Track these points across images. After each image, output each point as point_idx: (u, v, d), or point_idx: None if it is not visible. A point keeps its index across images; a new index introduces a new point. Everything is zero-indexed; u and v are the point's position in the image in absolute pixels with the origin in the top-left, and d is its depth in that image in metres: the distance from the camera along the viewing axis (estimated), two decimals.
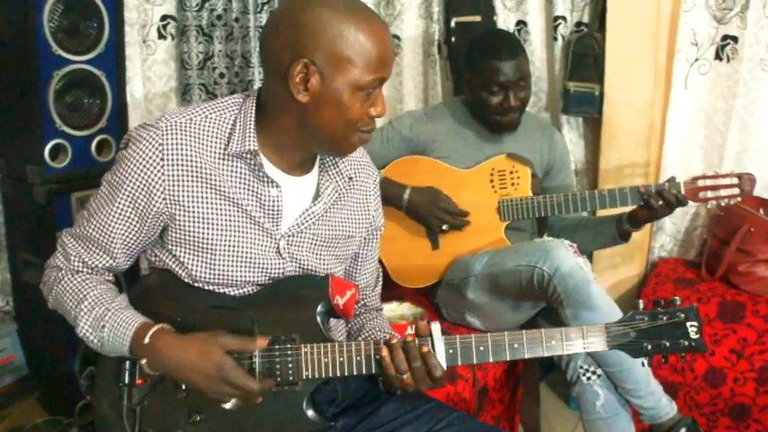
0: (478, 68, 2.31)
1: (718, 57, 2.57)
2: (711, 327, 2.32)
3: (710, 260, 2.59)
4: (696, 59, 2.60)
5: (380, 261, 2.21)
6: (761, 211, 2.51)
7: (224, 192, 1.40)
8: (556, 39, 2.75)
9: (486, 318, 2.32)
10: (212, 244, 1.42)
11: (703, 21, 2.56)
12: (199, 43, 2.71)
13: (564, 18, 2.73)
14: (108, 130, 2.36)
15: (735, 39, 2.52)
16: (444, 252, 2.40)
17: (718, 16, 2.54)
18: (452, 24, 2.83)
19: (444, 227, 2.33)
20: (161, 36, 2.66)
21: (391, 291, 2.43)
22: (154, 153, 1.36)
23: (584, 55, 2.66)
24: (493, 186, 2.36)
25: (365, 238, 1.65)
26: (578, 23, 2.74)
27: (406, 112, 2.62)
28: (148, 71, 2.63)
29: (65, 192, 2.29)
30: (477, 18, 2.79)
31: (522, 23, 2.81)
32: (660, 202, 2.15)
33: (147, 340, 1.34)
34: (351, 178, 1.55)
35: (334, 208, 1.53)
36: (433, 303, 2.47)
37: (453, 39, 2.84)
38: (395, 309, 2.36)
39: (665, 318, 1.38)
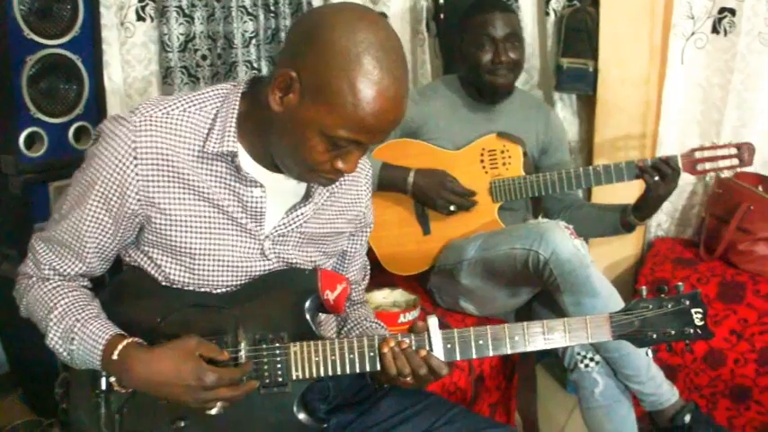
0: (469, 26, 2.27)
1: (714, 30, 2.51)
2: (711, 308, 2.28)
3: (709, 239, 2.55)
4: (692, 33, 2.54)
5: (370, 248, 2.23)
6: (760, 188, 2.47)
7: (202, 192, 1.32)
8: (548, 14, 2.68)
9: (480, 303, 2.28)
10: (191, 248, 1.35)
11: None
12: (179, 24, 2.61)
13: None
14: (86, 117, 2.28)
15: (732, 11, 2.46)
16: (436, 237, 2.35)
17: None
18: (441, 0, 2.77)
19: (452, 207, 2.27)
20: (140, 18, 2.56)
21: (383, 278, 2.38)
22: (126, 150, 1.28)
23: (578, 30, 2.59)
24: (484, 167, 2.31)
25: (353, 234, 1.60)
26: None
27: None
28: (127, 55, 2.54)
29: (42, 182, 2.20)
30: None
31: None
32: (656, 177, 2.10)
33: (115, 356, 1.27)
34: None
35: (324, 206, 1.46)
36: (426, 289, 2.42)
37: (442, 15, 2.77)
38: (387, 296, 2.30)
39: (669, 305, 1.35)
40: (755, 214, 2.41)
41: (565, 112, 2.75)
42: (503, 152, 2.30)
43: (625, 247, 2.72)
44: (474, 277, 2.19)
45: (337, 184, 1.43)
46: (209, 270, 1.37)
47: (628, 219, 2.25)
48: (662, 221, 2.76)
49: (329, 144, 1.21)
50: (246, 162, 1.33)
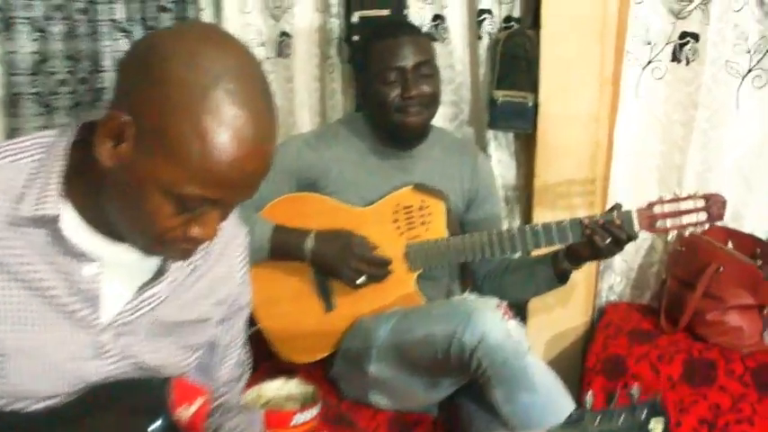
0: (372, 55, 2.00)
1: (675, 58, 2.24)
2: (676, 391, 2.03)
3: (671, 306, 2.22)
4: (649, 62, 2.26)
5: (260, 330, 1.96)
6: (730, 245, 2.18)
7: (12, 271, 1.08)
8: (480, 37, 2.35)
9: (394, 396, 1.97)
10: None
11: (658, 15, 2.23)
12: (33, 41, 2.25)
13: (489, 12, 2.33)
14: None
15: (695, 37, 2.19)
16: (340, 314, 2.01)
17: (675, 9, 2.20)
18: (355, 19, 2.42)
19: (361, 279, 1.96)
20: None
21: (276, 364, 2.05)
22: None
23: (515, 57, 2.28)
24: (398, 227, 2.01)
25: (225, 320, 1.36)
26: (508, 18, 2.35)
27: (289, 137, 2.22)
28: None
29: None
30: (385, 12, 2.38)
31: (438, 18, 2.40)
32: (607, 238, 1.86)
33: None
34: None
35: (184, 284, 1.23)
36: (329, 378, 2.07)
37: (356, 37, 2.41)
38: (280, 387, 1.90)
39: (621, 419, 1.17)
40: (725, 277, 2.11)
41: (500, 153, 2.43)
42: (421, 209, 2.01)
43: (571, 316, 2.40)
44: (386, 366, 1.91)
45: (202, 255, 1.23)
46: (23, 376, 1.11)
47: (561, 266, 1.99)
48: (615, 283, 2.45)
49: (177, 205, 1.01)
50: (76, 230, 1.10)
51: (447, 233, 1.99)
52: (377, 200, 2.03)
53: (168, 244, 1.08)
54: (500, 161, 2.41)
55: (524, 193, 2.43)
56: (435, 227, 1.99)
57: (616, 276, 2.43)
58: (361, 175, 2.05)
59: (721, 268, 2.11)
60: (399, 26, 2.09)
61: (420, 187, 2.01)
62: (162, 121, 0.97)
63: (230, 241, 1.32)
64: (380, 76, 1.96)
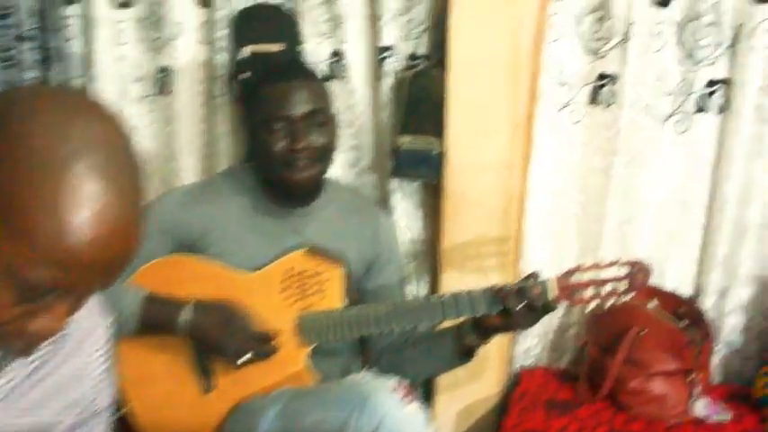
0: (256, 101, 1.79)
1: (593, 101, 2.09)
2: None
3: (592, 373, 2.05)
4: (566, 104, 2.10)
5: (128, 413, 1.73)
6: (655, 303, 2.03)
7: None
8: (381, 77, 2.14)
9: None
10: None
11: (574, 54, 2.07)
12: None
13: (393, 49, 2.12)
14: None
15: (614, 78, 2.05)
16: (221, 396, 1.76)
17: (592, 48, 2.05)
18: (244, 54, 2.17)
19: (245, 357, 1.73)
20: None
21: None
22: None
23: (421, 99, 2.08)
24: (289, 296, 1.79)
25: (75, 426, 1.16)
26: (413, 56, 2.14)
27: (166, 192, 2.01)
28: None
29: None
30: (278, 47, 2.14)
31: (337, 55, 2.17)
32: (522, 310, 1.67)
33: None
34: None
35: (24, 385, 1.05)
36: None
37: (246, 74, 2.16)
38: None
39: None
40: (649, 340, 1.97)
41: (405, 204, 2.20)
42: (315, 275, 1.80)
43: (483, 386, 2.18)
44: None
45: (50, 349, 1.06)
46: None
47: (465, 341, 1.78)
48: (531, 346, 2.25)
49: (19, 292, 0.85)
50: None
51: (344, 303, 1.78)
52: (265, 264, 1.82)
53: (3, 339, 0.91)
54: (406, 212, 2.20)
55: (431, 248, 2.23)
56: (331, 296, 1.78)
57: (532, 339, 2.24)
58: (247, 235, 1.83)
59: (644, 331, 1.97)
60: (290, 68, 1.89)
61: (314, 251, 1.80)
62: (7, 191, 0.83)
63: (89, 333, 1.15)
64: (266, 125, 1.75)
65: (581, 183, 2.14)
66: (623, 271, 1.69)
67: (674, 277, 2.10)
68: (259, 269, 1.80)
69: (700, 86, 2.00)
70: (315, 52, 2.17)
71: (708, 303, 2.07)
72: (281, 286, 1.79)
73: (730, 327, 2.08)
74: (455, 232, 2.11)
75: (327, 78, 2.12)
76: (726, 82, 1.99)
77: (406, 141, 2.10)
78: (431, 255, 2.23)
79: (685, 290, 2.10)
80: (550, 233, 2.16)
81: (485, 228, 2.09)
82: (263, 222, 1.84)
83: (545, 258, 2.07)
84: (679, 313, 2.01)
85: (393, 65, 2.13)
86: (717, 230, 2.04)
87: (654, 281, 1.99)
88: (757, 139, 1.98)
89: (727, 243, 2.04)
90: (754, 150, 1.99)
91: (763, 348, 2.07)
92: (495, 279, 1.83)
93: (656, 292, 2.05)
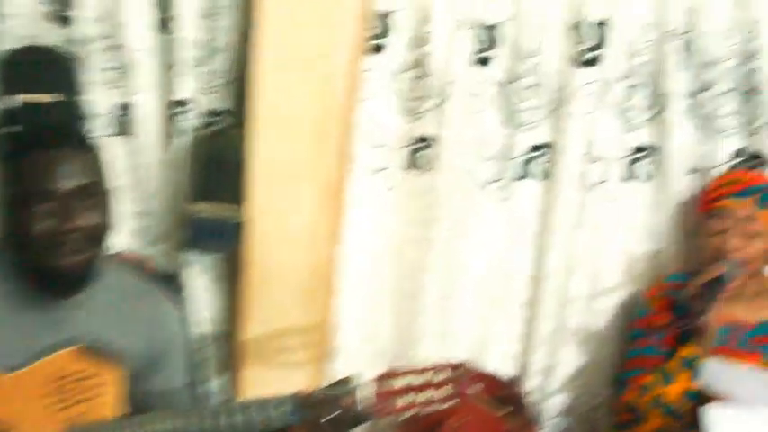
0: (15, 172, 1.53)
1: (411, 165, 1.98)
2: None
3: None
4: (381, 169, 1.98)
5: None
6: (479, 387, 1.82)
7: None
8: (174, 135, 1.94)
9: None
10: None
11: (390, 114, 1.97)
12: None
13: (189, 103, 1.93)
14: None
15: (432, 140, 1.95)
16: None
17: (409, 108, 1.95)
18: (16, 103, 1.91)
19: None
20: None
21: None
22: None
23: (220, 161, 1.91)
24: (55, 403, 1.53)
25: None
26: (212, 113, 1.96)
27: None
28: None
29: None
30: (51, 97, 1.90)
31: (125, 108, 1.94)
32: (329, 421, 1.47)
33: None
34: None
35: None
36: None
37: (18, 127, 1.89)
38: None
39: None
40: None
41: (202, 279, 1.99)
42: (87, 378, 1.54)
43: None
44: None
45: None
46: None
47: None
48: None
49: None
50: None
51: (122, 410, 1.55)
52: (23, 365, 1.55)
53: None
54: (202, 289, 1.99)
55: (233, 332, 2.02)
56: (104, 403, 1.54)
57: None
58: (1, 329, 1.57)
59: (461, 421, 1.82)
60: (59, 133, 1.62)
61: (85, 350, 1.55)
62: None
63: None
64: (26, 201, 1.49)
65: (397, 255, 2.02)
66: (446, 374, 1.53)
67: (498, 356, 2.01)
68: (14, 371, 1.53)
69: (521, 151, 1.95)
70: (98, 104, 1.94)
71: (533, 383, 2.00)
72: (44, 391, 1.52)
73: (556, 408, 2.01)
74: (258, 315, 1.93)
75: (114, 134, 1.90)
76: (548, 147, 1.94)
77: (203, 209, 1.91)
78: (231, 340, 2.03)
79: (509, 369, 2.01)
80: (364, 316, 2.03)
81: (291, 310, 1.93)
82: (19, 315, 1.58)
83: (357, 348, 1.95)
84: (501, 398, 1.89)
85: (189, 121, 1.94)
86: (540, 303, 1.97)
87: (477, 360, 1.96)
88: (580, 206, 1.94)
89: (552, 317, 1.97)
90: (577, 219, 1.94)
91: (591, 430, 2.00)
92: (302, 375, 1.71)
93: (479, 376, 1.87)
